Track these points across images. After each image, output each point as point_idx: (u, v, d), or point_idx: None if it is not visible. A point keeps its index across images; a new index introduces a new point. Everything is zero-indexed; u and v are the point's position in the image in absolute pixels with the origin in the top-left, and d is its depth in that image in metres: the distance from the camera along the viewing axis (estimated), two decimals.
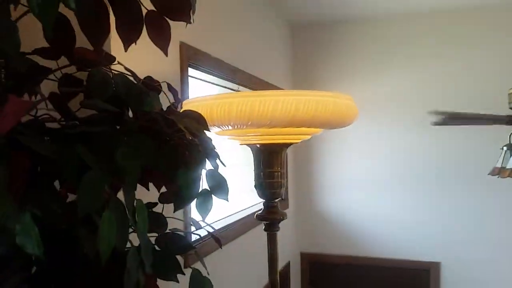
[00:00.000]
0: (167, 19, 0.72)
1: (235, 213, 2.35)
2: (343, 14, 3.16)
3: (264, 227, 1.34)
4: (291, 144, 1.30)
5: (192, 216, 1.55)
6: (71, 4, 0.49)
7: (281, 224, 1.36)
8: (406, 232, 3.21)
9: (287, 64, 3.37)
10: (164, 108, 0.91)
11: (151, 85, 0.92)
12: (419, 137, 3.11)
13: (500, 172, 2.01)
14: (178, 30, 1.12)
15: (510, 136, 2.06)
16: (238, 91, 2.42)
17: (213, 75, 2.11)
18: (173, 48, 1.69)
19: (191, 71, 1.87)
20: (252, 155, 1.33)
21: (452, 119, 2.21)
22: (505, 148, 2.05)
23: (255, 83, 2.58)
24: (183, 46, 1.74)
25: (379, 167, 3.25)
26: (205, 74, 2.05)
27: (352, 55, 3.29)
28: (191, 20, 0.72)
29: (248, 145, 1.32)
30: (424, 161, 3.14)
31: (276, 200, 1.32)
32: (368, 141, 3.25)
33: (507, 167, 1.95)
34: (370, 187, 3.28)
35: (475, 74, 3.01)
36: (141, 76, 0.93)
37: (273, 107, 1.00)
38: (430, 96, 3.08)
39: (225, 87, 2.32)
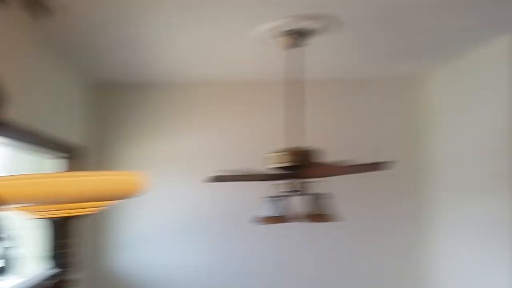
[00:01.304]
0: None
1: (25, 281, 2.24)
2: (140, 77, 3.46)
3: None
4: (83, 215, 1.45)
5: None
6: None
7: None
8: (196, 278, 3.56)
9: (89, 123, 3.47)
10: None
11: None
12: (204, 192, 3.52)
13: (260, 220, 2.53)
14: None
15: (269, 189, 2.60)
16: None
17: (4, 136, 2.04)
18: None
19: None
20: (44, 227, 1.42)
21: (228, 179, 2.67)
22: (264, 199, 2.58)
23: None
24: None
25: (169, 221, 3.59)
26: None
27: (150, 116, 3.61)
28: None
29: (39, 218, 1.40)
30: (209, 213, 3.60)
31: (67, 269, 1.43)
32: (161, 198, 3.53)
33: (264, 215, 2.47)
34: (161, 241, 3.57)
35: (255, 136, 3.60)
36: None
37: (62, 188, 1.15)
38: (215, 154, 3.57)
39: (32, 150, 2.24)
